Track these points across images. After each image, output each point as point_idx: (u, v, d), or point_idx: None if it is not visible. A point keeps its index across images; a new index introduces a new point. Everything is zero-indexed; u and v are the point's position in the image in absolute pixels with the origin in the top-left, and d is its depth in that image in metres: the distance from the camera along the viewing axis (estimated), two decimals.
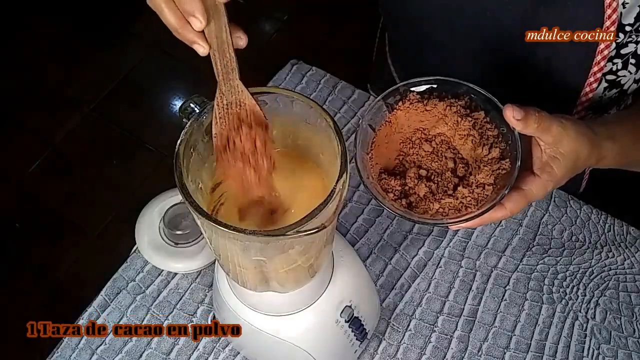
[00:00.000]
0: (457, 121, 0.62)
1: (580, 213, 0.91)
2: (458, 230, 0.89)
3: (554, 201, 0.91)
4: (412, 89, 0.63)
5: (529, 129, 0.58)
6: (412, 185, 0.61)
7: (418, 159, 0.63)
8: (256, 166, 0.57)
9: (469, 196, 0.59)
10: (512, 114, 0.57)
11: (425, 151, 0.63)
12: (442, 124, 0.63)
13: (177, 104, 2.03)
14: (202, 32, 0.52)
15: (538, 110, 0.58)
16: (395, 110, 0.63)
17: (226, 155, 0.56)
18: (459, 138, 0.62)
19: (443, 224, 0.59)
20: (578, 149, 0.61)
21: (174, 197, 0.87)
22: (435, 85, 0.63)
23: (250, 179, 0.57)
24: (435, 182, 0.61)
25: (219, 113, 0.56)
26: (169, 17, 0.51)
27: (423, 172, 0.62)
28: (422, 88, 0.63)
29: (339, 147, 0.54)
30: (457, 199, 0.59)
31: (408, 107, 0.63)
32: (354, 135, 0.61)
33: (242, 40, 0.55)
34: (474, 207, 0.59)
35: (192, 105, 0.56)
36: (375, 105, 0.62)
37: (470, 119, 0.62)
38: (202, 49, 0.52)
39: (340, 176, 0.52)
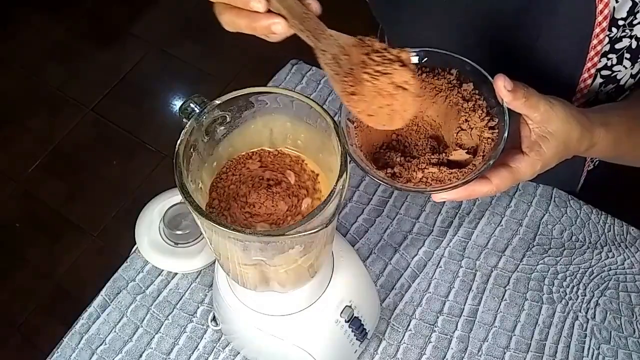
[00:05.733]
0: (447, 94, 0.62)
1: (580, 213, 0.91)
2: (458, 230, 0.89)
3: (554, 201, 0.91)
4: None
5: (517, 102, 0.58)
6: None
7: (404, 136, 0.62)
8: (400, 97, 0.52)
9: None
10: (503, 83, 0.57)
11: (412, 130, 0.62)
12: (429, 100, 0.62)
13: (177, 104, 2.02)
14: (272, 12, 0.51)
15: (526, 86, 0.58)
16: None
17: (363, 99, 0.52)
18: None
19: (426, 191, 0.58)
20: (568, 130, 0.61)
21: (174, 197, 0.87)
22: (425, 59, 0.62)
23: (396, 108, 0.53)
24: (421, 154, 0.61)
25: (333, 71, 0.53)
26: (239, 21, 0.51)
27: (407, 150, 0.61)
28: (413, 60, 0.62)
29: (339, 147, 0.54)
30: (439, 168, 0.59)
31: None
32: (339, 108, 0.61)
33: (313, 5, 0.53)
34: (458, 179, 0.58)
35: (192, 105, 0.56)
36: None
37: (459, 89, 0.62)
38: (280, 26, 0.51)
39: (340, 176, 0.52)
